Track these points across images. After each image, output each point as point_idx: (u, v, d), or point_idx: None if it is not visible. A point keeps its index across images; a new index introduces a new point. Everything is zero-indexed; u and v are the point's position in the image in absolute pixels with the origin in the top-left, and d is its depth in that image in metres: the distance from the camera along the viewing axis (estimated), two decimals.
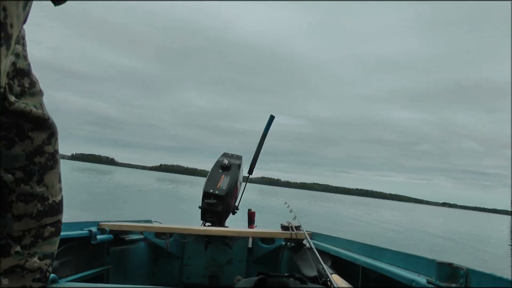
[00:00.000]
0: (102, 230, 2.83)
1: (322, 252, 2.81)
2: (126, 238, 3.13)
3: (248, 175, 3.30)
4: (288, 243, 3.27)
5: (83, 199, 18.73)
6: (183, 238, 3.31)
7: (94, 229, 2.77)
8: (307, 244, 2.89)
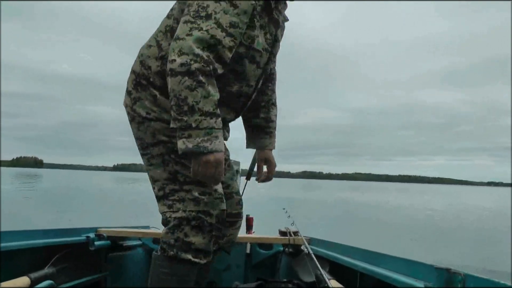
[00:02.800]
0: (99, 236, 2.84)
1: (320, 258, 2.77)
2: (124, 244, 3.13)
3: (246, 181, 3.27)
4: (286, 249, 3.23)
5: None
6: None
7: (92, 235, 2.79)
8: (305, 250, 2.86)
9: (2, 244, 2.21)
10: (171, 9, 2.04)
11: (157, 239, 3.04)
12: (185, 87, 1.72)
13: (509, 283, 1.49)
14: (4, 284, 1.92)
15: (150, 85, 1.99)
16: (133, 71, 2.06)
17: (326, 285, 2.19)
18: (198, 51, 1.74)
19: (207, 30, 1.77)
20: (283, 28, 2.22)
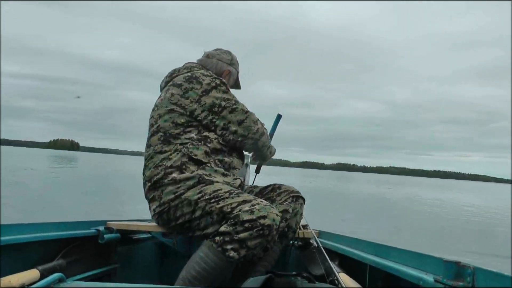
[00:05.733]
0: (109, 229, 2.86)
1: (330, 251, 2.77)
2: (134, 237, 3.16)
3: (255, 174, 3.29)
4: (296, 242, 3.21)
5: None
6: (190, 237, 3.28)
7: (101, 228, 2.81)
8: (314, 243, 2.87)
9: (12, 237, 2.24)
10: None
11: (167, 233, 3.08)
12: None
13: None
14: (13, 276, 1.92)
15: None
16: None
17: (335, 277, 2.21)
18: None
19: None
20: None
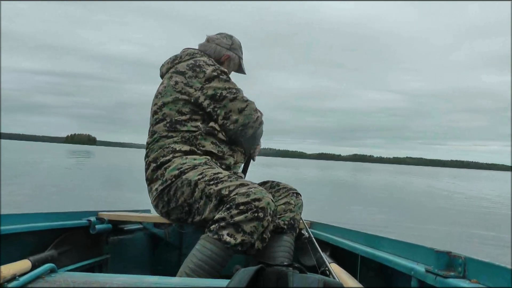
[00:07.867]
0: (101, 220, 2.86)
1: (321, 242, 2.75)
2: (125, 228, 3.15)
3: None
4: None
5: None
6: (181, 228, 3.33)
7: (93, 218, 2.80)
8: (306, 234, 2.83)
9: (3, 227, 2.23)
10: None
11: (158, 223, 3.07)
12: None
13: (509, 266, 1.43)
14: (4, 267, 1.90)
15: None
16: None
17: (326, 268, 2.18)
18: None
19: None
20: None
